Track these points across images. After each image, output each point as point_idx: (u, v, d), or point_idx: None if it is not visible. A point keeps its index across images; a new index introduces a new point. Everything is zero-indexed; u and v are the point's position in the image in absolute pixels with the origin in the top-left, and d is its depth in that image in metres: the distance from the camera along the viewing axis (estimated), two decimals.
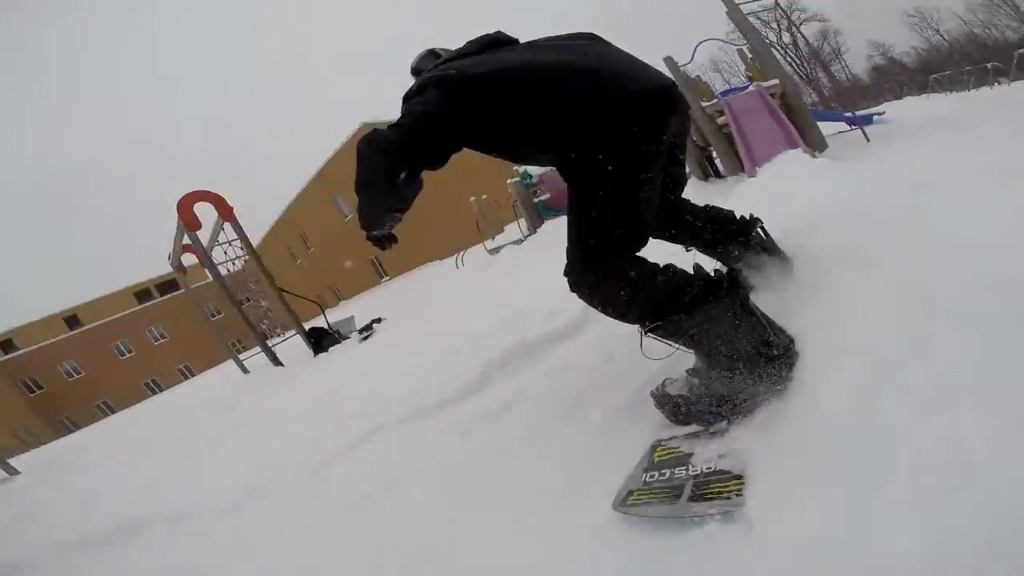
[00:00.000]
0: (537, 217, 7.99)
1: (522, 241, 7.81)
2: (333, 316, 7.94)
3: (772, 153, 4.39)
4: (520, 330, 2.60)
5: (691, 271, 1.24)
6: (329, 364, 4.81)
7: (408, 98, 1.29)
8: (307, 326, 6.87)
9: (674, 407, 1.26)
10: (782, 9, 4.41)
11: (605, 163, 1.16)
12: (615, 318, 1.25)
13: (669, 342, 1.22)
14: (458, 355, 2.72)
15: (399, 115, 1.26)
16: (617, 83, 1.20)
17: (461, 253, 9.85)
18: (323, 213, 24.63)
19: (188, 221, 6.19)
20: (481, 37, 1.46)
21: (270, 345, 7.67)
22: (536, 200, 8.10)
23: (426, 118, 1.21)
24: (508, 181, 7.96)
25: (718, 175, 6.17)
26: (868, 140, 5.88)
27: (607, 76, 1.21)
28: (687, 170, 2.82)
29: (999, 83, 17.69)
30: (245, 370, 8.36)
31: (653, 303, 1.16)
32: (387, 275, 23.20)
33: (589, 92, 1.18)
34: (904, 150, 4.88)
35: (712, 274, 1.22)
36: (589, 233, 1.23)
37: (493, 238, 8.97)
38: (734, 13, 4.74)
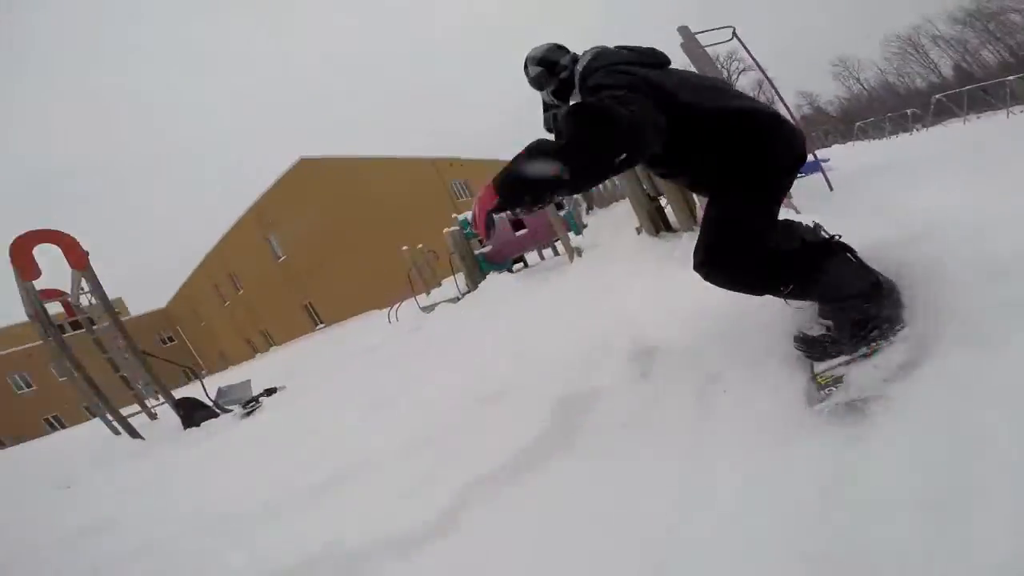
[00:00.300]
0: (477, 272, 7.11)
1: (459, 299, 6.90)
2: (259, 365, 6.80)
3: None
4: (361, 514, 1.71)
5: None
6: (172, 456, 4.27)
7: (596, 89, 1.40)
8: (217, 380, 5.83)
9: (822, 346, 1.45)
10: (739, 40, 3.87)
11: (764, 186, 1.46)
12: (754, 293, 1.51)
13: (803, 300, 1.50)
14: (268, 519, 1.94)
15: (584, 96, 1.51)
16: (788, 134, 1.48)
17: (396, 305, 8.84)
18: (255, 253, 22.91)
19: (23, 268, 4.87)
20: (646, 49, 1.64)
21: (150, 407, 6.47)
22: (477, 253, 7.24)
23: (644, 112, 1.25)
24: (445, 231, 7.05)
25: (669, 228, 5.55)
26: (832, 188, 5.46)
27: (783, 126, 1.48)
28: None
29: (917, 129, 18.83)
30: (115, 431, 7.02)
31: (785, 274, 1.42)
32: (322, 323, 21.58)
33: (773, 137, 1.45)
34: (876, 199, 4.45)
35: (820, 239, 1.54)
36: (739, 230, 1.44)
37: (428, 292, 7.99)
38: (689, 44, 4.15)
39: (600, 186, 6.92)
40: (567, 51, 1.72)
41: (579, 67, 1.60)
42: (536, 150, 1.17)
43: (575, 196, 6.67)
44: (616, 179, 6.93)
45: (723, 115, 1.42)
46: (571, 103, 1.61)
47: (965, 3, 32.28)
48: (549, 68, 1.70)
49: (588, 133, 1.16)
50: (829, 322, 1.47)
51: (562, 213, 6.08)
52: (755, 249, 1.42)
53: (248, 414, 4.96)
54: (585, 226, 5.79)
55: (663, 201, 5.68)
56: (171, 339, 36.09)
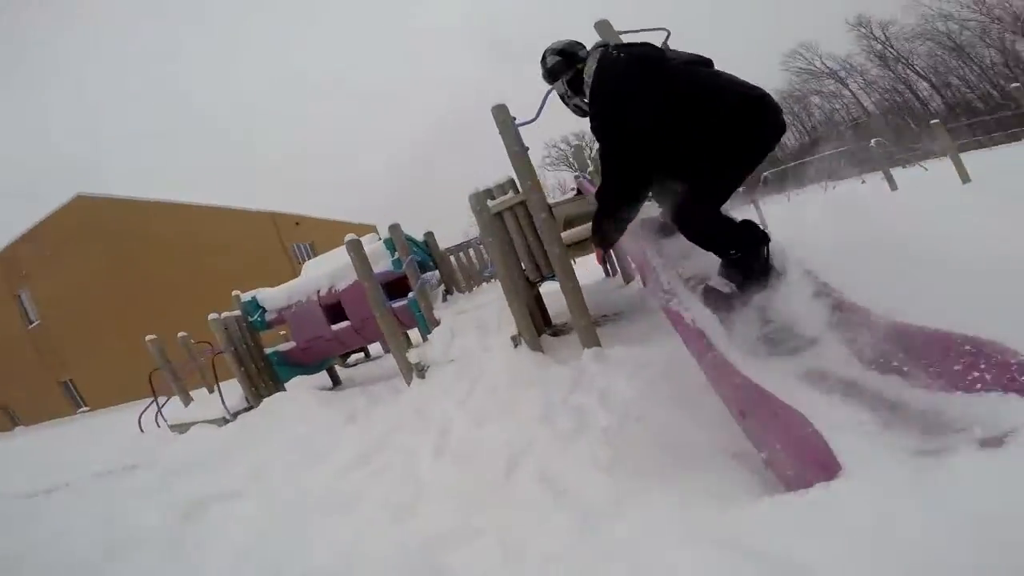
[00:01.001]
0: (266, 379, 4.60)
1: (226, 421, 4.32)
2: None
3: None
4: None
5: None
6: None
7: (600, 118, 1.90)
8: None
9: (728, 301, 1.84)
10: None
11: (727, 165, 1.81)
12: (711, 249, 1.89)
13: (735, 264, 1.85)
14: None
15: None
16: (748, 122, 1.76)
17: (162, 403, 5.69)
18: None
19: None
20: (643, 55, 1.86)
21: None
22: (270, 351, 4.76)
23: (624, 173, 1.90)
24: (211, 317, 4.49)
25: (549, 324, 3.86)
26: None
27: (740, 116, 1.73)
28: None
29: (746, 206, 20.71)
30: None
31: (737, 242, 1.83)
32: (86, 406, 16.00)
33: (731, 127, 1.72)
34: None
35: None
36: (707, 194, 1.82)
37: (187, 402, 5.13)
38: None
39: (464, 260, 5.12)
40: (584, 46, 2.05)
41: (586, 76, 1.92)
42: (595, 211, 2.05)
43: (425, 277, 4.79)
44: (485, 253, 5.19)
45: (700, 128, 1.70)
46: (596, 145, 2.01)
47: (781, 86, 36.30)
48: (568, 59, 2.02)
49: (602, 194, 1.98)
50: (732, 284, 1.84)
51: (405, 302, 4.02)
52: (710, 214, 1.83)
53: None
54: (438, 323, 3.82)
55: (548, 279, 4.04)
56: None
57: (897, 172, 11.65)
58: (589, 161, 6.07)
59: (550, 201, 2.84)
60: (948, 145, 6.95)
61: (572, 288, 2.81)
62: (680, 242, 2.37)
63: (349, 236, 3.35)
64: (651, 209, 2.71)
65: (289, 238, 21.28)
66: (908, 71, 31.64)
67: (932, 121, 7.92)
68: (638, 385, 2.08)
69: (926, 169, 13.89)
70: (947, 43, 29.67)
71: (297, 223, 22.13)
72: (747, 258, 1.81)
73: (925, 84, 31.52)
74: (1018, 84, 6.23)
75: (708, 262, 2.10)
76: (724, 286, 1.85)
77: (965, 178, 7.20)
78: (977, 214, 2.97)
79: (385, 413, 3.39)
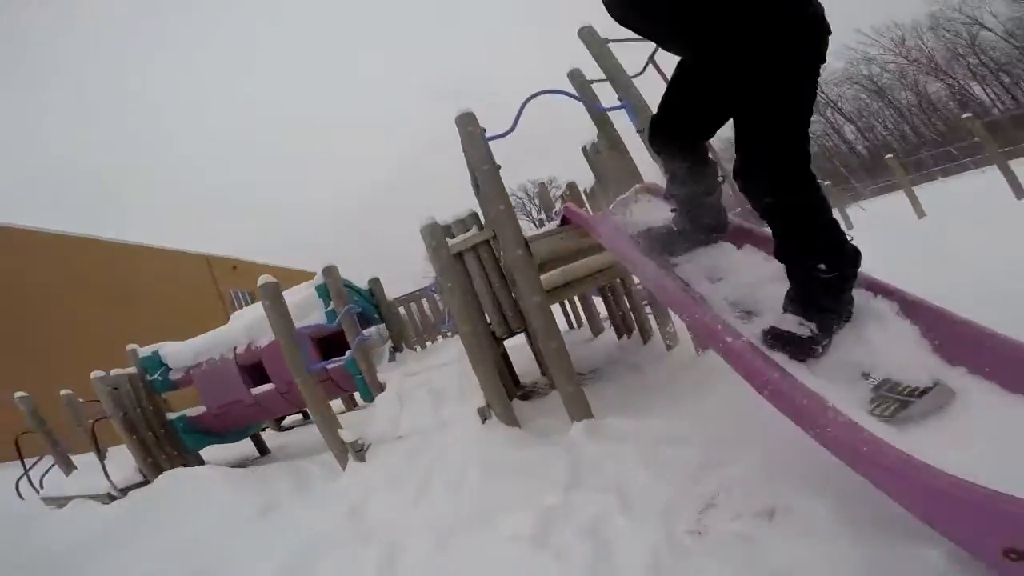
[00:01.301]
0: (168, 448, 3.71)
1: (112, 498, 3.42)
2: None
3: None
4: None
5: None
6: None
7: None
8: None
9: (807, 346, 1.27)
10: (655, 65, 2.09)
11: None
12: (799, 256, 1.30)
13: (821, 290, 1.27)
14: None
15: None
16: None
17: (48, 466, 4.61)
18: None
19: None
20: None
21: None
22: (175, 416, 3.88)
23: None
24: (94, 375, 3.60)
25: (517, 385, 3.24)
26: None
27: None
28: None
29: None
30: None
31: (842, 249, 1.29)
32: None
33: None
34: None
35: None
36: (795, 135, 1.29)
37: (69, 470, 4.09)
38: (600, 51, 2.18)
39: (417, 312, 4.46)
40: None
41: None
42: None
43: (367, 332, 4.02)
44: (441, 304, 4.56)
45: None
46: None
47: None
48: None
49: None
50: (812, 323, 1.28)
51: (342, 361, 3.29)
52: (814, 185, 1.28)
53: None
54: (383, 388, 3.12)
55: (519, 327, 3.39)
56: None
57: (838, 213, 12.04)
58: (555, 201, 5.60)
59: (525, 235, 2.23)
60: (903, 181, 7.00)
61: (556, 349, 2.21)
62: (703, 258, 1.68)
63: (263, 278, 2.65)
64: (651, 213, 2.01)
65: (226, 283, 19.60)
66: (836, 115, 34.26)
67: (887, 156, 8.07)
68: (671, 477, 1.50)
69: (864, 209, 14.49)
70: (870, 86, 32.50)
71: (234, 267, 20.49)
72: (841, 281, 1.26)
73: (851, 127, 34.21)
74: (969, 114, 6.35)
75: (742, 285, 1.51)
76: (799, 326, 1.27)
77: (921, 213, 7.27)
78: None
79: (311, 507, 2.64)
